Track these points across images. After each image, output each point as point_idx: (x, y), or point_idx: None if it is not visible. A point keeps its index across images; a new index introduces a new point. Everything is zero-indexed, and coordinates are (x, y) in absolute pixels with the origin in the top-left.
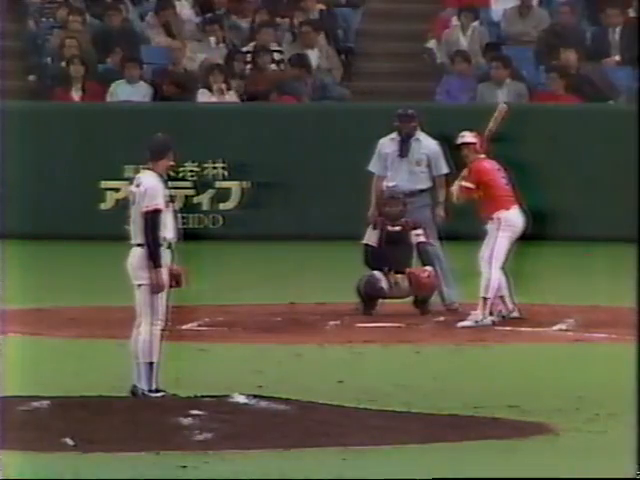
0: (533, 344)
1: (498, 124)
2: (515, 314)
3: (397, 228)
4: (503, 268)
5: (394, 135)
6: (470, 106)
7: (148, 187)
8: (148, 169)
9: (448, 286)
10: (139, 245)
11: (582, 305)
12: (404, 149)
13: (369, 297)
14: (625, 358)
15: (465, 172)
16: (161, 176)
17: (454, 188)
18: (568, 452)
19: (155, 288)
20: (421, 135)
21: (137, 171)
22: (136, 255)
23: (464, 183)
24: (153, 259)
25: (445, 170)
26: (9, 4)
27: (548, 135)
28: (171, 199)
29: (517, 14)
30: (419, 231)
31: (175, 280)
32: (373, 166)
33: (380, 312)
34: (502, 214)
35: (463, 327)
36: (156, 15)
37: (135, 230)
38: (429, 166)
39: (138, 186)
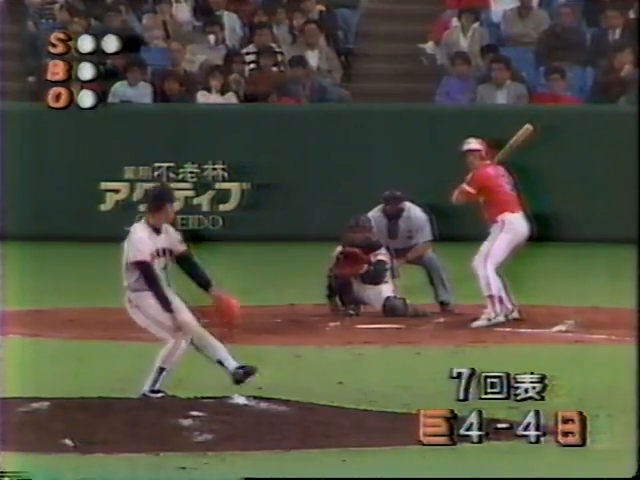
0: (533, 345)
1: (520, 142)
2: (515, 315)
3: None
4: (497, 271)
5: (379, 213)
6: (470, 107)
7: (133, 238)
8: (144, 220)
9: (443, 286)
10: None
11: (582, 306)
12: (392, 231)
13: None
14: (625, 359)
15: (469, 177)
16: (155, 228)
17: (456, 190)
18: (568, 452)
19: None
20: (407, 212)
21: (136, 173)
22: None
23: (465, 186)
24: (162, 304)
25: (429, 238)
26: (9, 5)
27: (548, 137)
28: (163, 252)
29: (517, 15)
30: (382, 251)
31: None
32: None
33: (379, 313)
34: (506, 217)
35: (478, 327)
36: (154, 15)
37: None
38: (417, 232)
39: (129, 238)
